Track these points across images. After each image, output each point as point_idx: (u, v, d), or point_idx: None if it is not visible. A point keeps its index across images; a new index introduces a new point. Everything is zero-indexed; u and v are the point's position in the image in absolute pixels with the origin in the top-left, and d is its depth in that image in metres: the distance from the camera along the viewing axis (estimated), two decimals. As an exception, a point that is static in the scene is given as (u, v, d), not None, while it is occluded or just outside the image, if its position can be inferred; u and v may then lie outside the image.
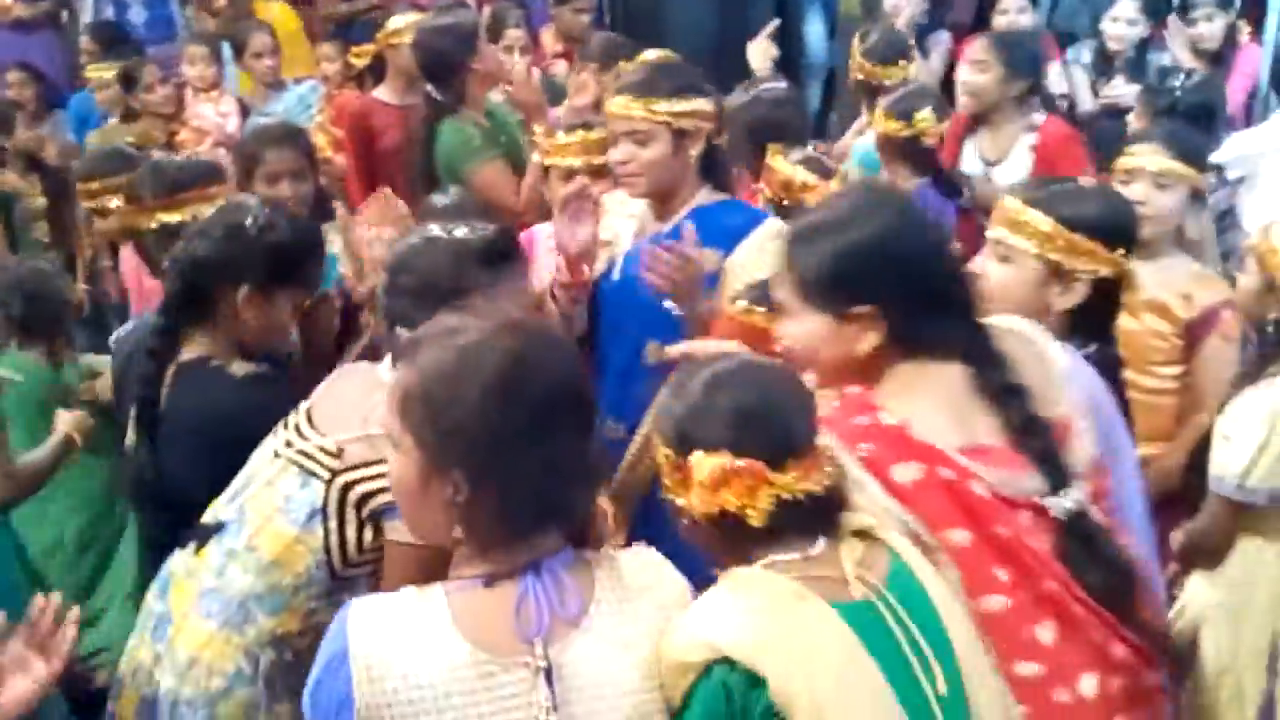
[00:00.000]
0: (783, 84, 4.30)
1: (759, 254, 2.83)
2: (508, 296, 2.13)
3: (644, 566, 1.74)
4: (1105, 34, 5.85)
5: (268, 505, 2.16)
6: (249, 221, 2.55)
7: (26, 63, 6.38)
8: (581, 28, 6.00)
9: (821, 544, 1.72)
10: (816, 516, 1.73)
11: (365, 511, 2.10)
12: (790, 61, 6.06)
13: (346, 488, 2.10)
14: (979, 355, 1.95)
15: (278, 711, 2.14)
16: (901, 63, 4.78)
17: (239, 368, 2.54)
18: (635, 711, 1.63)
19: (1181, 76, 4.28)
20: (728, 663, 1.62)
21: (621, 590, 1.68)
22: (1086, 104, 5.78)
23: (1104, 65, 5.83)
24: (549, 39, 6.36)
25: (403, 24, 4.86)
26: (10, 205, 4.92)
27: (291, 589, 2.14)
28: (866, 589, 1.69)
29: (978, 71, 4.33)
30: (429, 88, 4.43)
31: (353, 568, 2.14)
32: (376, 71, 5.03)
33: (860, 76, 4.86)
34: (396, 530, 2.02)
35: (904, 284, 1.93)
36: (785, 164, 3.65)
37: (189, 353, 2.57)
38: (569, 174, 3.36)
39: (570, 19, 6.09)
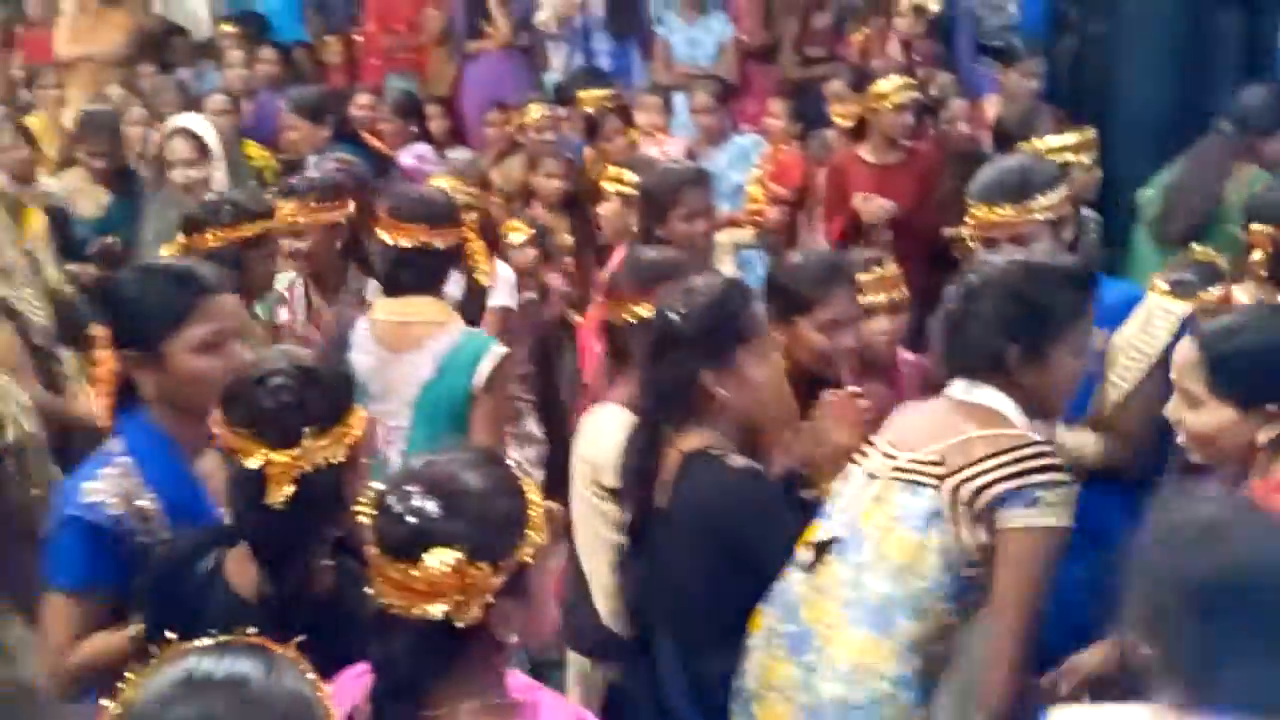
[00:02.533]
0: None
1: (1142, 332, 3.02)
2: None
3: None
4: None
5: (884, 518, 2.38)
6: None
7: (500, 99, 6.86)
8: (1027, 94, 6.04)
9: None
10: None
11: (977, 507, 2.29)
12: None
13: (957, 488, 2.31)
14: None
15: (921, 716, 2.36)
16: None
17: (737, 459, 2.54)
18: None
19: None
20: None
21: None
22: None
23: None
24: (990, 109, 6.47)
25: (889, 87, 5.12)
26: (543, 240, 5.13)
27: (923, 592, 2.34)
28: None
29: None
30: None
31: (972, 567, 2.34)
32: (857, 131, 5.28)
33: None
34: (1014, 518, 2.28)
35: None
36: None
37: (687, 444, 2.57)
38: None
39: (1016, 84, 6.18)
